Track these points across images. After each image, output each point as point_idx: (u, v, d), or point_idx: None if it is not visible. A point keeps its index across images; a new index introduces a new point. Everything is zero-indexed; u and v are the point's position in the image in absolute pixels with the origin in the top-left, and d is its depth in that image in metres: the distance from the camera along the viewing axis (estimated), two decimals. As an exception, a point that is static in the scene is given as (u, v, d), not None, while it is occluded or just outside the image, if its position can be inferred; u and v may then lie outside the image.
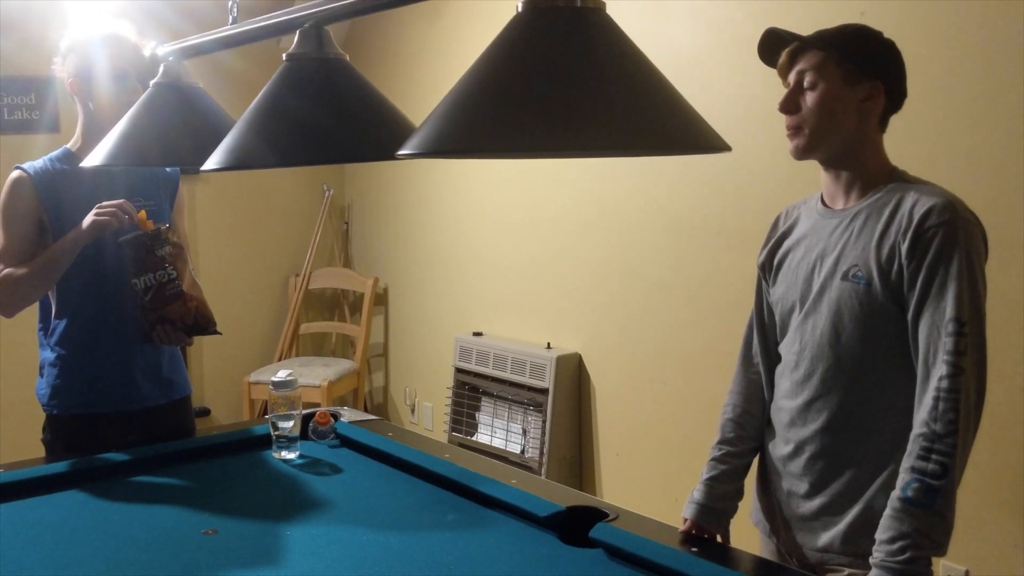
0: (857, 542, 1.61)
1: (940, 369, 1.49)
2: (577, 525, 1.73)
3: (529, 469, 3.54)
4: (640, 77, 0.91)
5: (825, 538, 1.66)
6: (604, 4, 0.92)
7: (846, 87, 1.61)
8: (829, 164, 1.68)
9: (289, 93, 1.28)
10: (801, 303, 1.71)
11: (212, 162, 1.31)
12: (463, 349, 3.92)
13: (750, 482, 1.85)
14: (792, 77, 1.65)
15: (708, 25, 3.04)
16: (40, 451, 2.33)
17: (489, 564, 1.66)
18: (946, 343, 1.49)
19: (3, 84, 3.94)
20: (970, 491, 2.43)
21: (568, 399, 3.56)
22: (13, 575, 1.61)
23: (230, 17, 1.47)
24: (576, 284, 3.63)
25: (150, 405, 2.39)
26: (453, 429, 3.94)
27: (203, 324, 2.35)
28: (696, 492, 1.81)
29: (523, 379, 3.62)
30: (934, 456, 1.47)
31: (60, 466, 2.10)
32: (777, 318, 1.79)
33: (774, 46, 1.69)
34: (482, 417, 3.86)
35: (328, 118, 1.27)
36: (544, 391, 3.52)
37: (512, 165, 3.88)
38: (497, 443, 3.73)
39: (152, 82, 1.72)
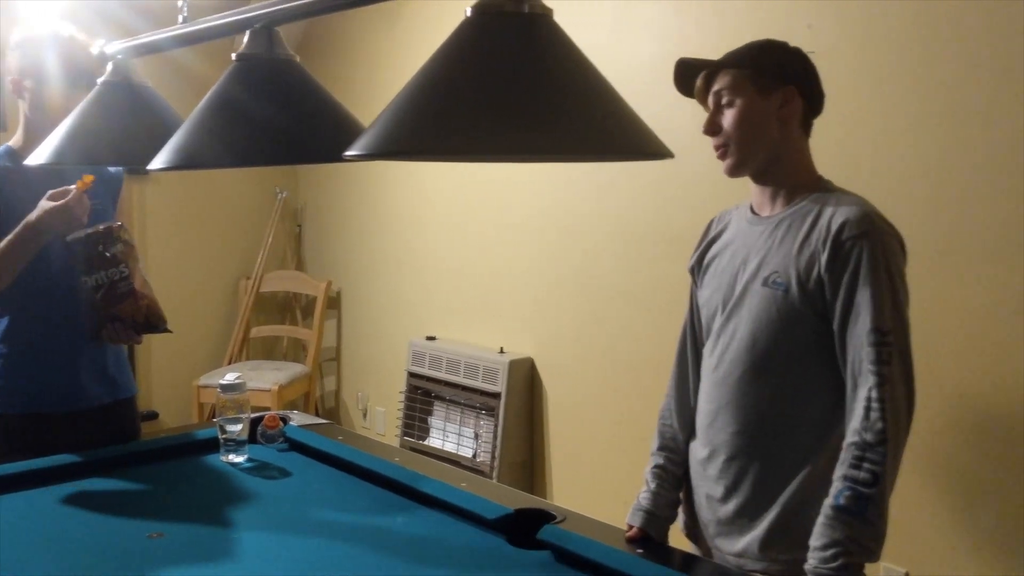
0: (773, 547, 1.64)
1: (868, 380, 1.53)
2: (525, 527, 1.74)
3: (481, 473, 3.55)
4: (585, 83, 0.92)
5: (741, 543, 1.68)
6: (551, 11, 0.93)
7: (761, 99, 1.66)
8: (759, 177, 1.73)
9: (239, 93, 1.28)
10: (723, 307, 1.75)
11: (161, 161, 1.30)
12: (416, 353, 3.92)
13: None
14: (710, 99, 1.70)
15: (661, 37, 3.08)
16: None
17: (436, 567, 1.66)
18: (870, 353, 1.52)
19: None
20: (908, 494, 2.50)
21: (520, 403, 3.57)
22: (-50, 579, 1.58)
23: (180, 17, 1.46)
24: (529, 289, 3.65)
25: (95, 405, 2.36)
26: (405, 434, 3.94)
27: (154, 322, 2.32)
28: (643, 500, 1.83)
29: (476, 383, 3.63)
30: (865, 464, 1.50)
31: (1, 468, 2.06)
32: (703, 321, 1.83)
33: (688, 75, 1.74)
34: (434, 421, 3.86)
35: (279, 119, 1.27)
36: (496, 395, 3.53)
37: (467, 170, 3.89)
38: (449, 447, 3.74)
39: (100, 80, 1.71)
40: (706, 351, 1.80)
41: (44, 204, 2.13)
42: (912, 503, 2.50)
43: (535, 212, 3.60)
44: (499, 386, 3.52)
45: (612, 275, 3.32)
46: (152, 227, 4.60)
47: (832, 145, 2.61)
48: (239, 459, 2.21)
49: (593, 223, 3.38)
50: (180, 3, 1.45)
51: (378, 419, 4.51)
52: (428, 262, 4.17)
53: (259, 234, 4.84)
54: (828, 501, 1.53)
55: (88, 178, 2.17)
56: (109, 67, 1.68)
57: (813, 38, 2.61)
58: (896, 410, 1.52)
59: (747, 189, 2.78)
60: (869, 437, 1.51)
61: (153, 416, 4.58)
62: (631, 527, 1.80)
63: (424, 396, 3.90)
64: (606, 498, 3.32)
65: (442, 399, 3.82)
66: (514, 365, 3.54)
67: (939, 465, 2.46)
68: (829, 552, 1.49)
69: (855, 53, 2.57)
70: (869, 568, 2.49)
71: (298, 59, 1.33)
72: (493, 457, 3.52)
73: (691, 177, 3.03)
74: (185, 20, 1.47)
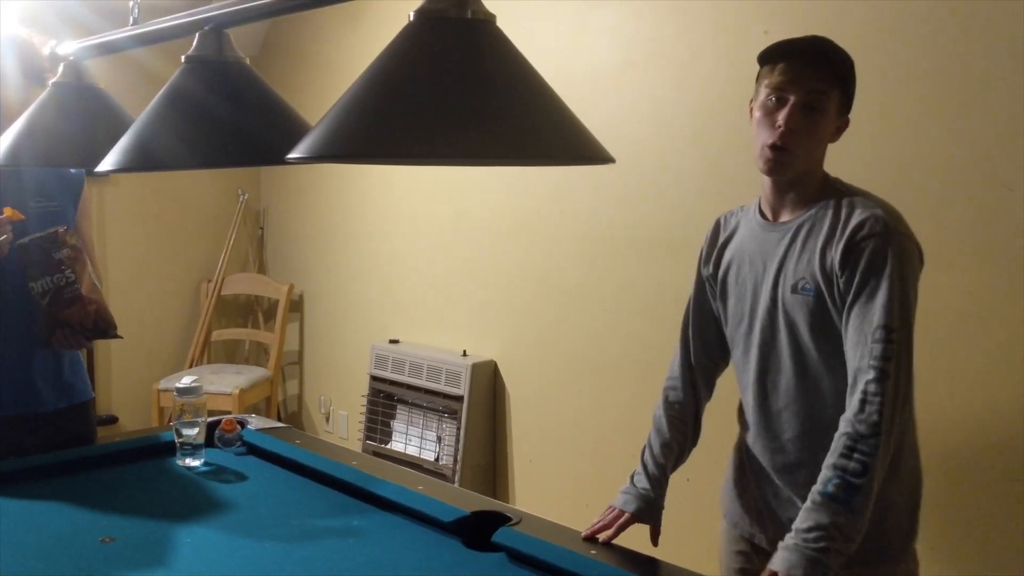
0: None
1: (868, 373, 1.56)
2: (481, 530, 1.75)
3: (443, 477, 3.55)
4: (527, 89, 0.93)
5: None
6: (494, 16, 0.94)
7: (835, 118, 1.69)
8: (788, 184, 1.72)
9: (194, 94, 1.28)
10: (750, 317, 1.78)
11: (120, 162, 1.29)
12: (379, 356, 3.91)
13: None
14: (800, 94, 1.64)
15: (624, 41, 3.10)
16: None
17: (391, 569, 1.66)
18: (874, 349, 1.56)
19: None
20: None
21: (483, 406, 3.58)
22: None
23: (131, 18, 1.45)
24: (492, 292, 3.66)
25: (50, 409, 2.34)
26: (368, 437, 3.92)
27: (103, 328, 2.31)
28: (640, 487, 1.84)
29: (439, 387, 3.63)
30: (856, 455, 1.54)
31: (-49, 474, 2.04)
32: (728, 333, 1.85)
33: (785, 52, 1.68)
34: (397, 425, 3.85)
35: (236, 120, 1.27)
36: (459, 398, 3.53)
37: (429, 172, 3.89)
38: (411, 451, 3.73)
39: (52, 81, 1.69)
40: (739, 363, 1.83)
41: None
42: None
43: (498, 214, 3.61)
44: (462, 389, 3.52)
45: (575, 277, 3.34)
46: (112, 229, 4.55)
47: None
48: (196, 463, 2.20)
49: (556, 225, 3.39)
50: (131, 3, 1.44)
51: (341, 423, 4.49)
52: (391, 264, 4.16)
53: (221, 236, 4.80)
54: (817, 487, 1.56)
55: (12, 213, 2.14)
56: (61, 68, 1.67)
57: (768, 43, 2.64)
58: (892, 407, 1.56)
59: (715, 192, 2.81)
60: (863, 429, 1.54)
61: (113, 420, 4.52)
62: (622, 512, 1.80)
63: (387, 400, 3.89)
64: (567, 500, 3.34)
65: (405, 402, 3.81)
66: (477, 368, 3.54)
67: (938, 465, 2.46)
68: (813, 535, 1.52)
69: (811, 29, 2.57)
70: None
71: (247, 61, 1.32)
72: (455, 460, 3.52)
73: (653, 179, 3.06)
74: (136, 21, 1.46)
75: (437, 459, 3.62)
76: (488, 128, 0.89)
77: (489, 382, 3.59)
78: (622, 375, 3.17)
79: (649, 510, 1.82)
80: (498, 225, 3.61)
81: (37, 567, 1.64)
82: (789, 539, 1.54)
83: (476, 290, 3.72)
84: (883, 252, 1.58)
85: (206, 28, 1.28)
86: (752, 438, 1.83)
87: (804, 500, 1.68)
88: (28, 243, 2.20)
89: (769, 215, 1.77)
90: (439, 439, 3.64)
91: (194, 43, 1.30)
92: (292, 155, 0.89)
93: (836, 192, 1.70)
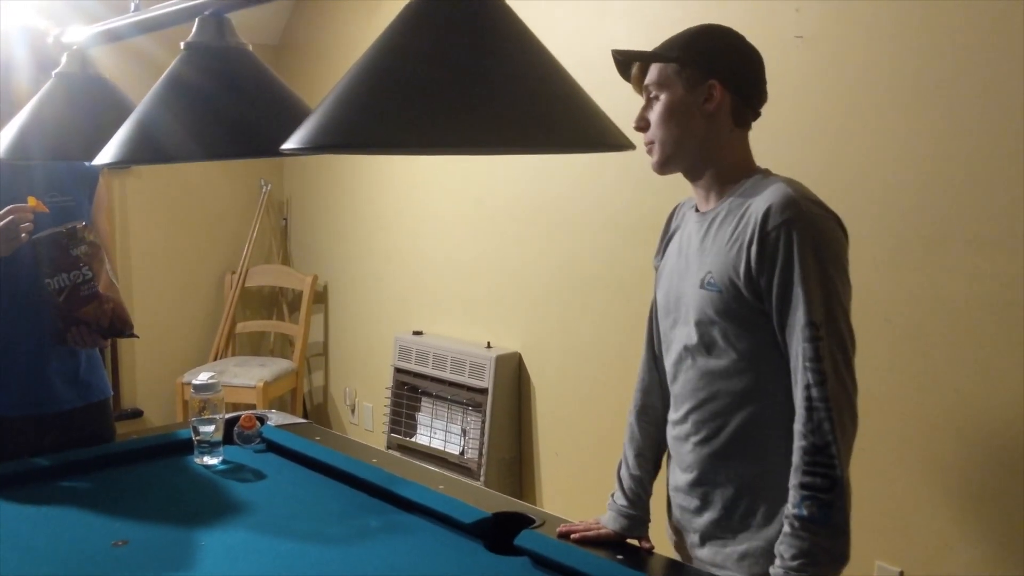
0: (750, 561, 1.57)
1: (805, 378, 1.45)
2: (504, 532, 1.69)
3: (468, 471, 3.49)
4: (540, 72, 0.86)
5: (719, 557, 1.61)
6: (501, -9, 0.86)
7: (688, 94, 1.57)
8: (690, 175, 1.64)
9: (197, 83, 1.21)
10: (669, 312, 1.68)
11: (110, 156, 1.24)
12: (403, 348, 3.86)
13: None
14: (644, 93, 1.63)
15: (646, 24, 3.00)
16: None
17: (409, 572, 1.61)
18: (805, 350, 1.45)
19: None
20: (903, 492, 2.45)
21: (508, 399, 3.51)
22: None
23: (132, 4, 1.39)
24: (516, 283, 3.59)
25: (66, 408, 2.30)
26: (392, 430, 3.88)
27: (119, 327, 2.26)
28: (619, 504, 1.76)
29: (463, 379, 3.57)
30: (819, 469, 1.44)
31: (-33, 473, 2.01)
32: (659, 326, 1.75)
33: (625, 67, 1.66)
34: (422, 418, 3.80)
35: (243, 110, 1.20)
36: (484, 391, 3.47)
37: (453, 163, 3.82)
38: (436, 444, 3.68)
39: (56, 72, 1.64)
40: (665, 360, 1.73)
41: None
42: (907, 501, 2.45)
43: (521, 203, 3.54)
44: (486, 381, 3.46)
45: (599, 267, 3.26)
46: (135, 222, 4.53)
47: (816, 132, 2.56)
48: (213, 461, 2.16)
49: (579, 213, 3.31)
50: (132, -11, 1.38)
51: (366, 415, 4.45)
52: (414, 255, 4.10)
53: (244, 228, 4.77)
54: (790, 510, 1.46)
55: (36, 204, 2.10)
56: (64, 58, 1.61)
57: (800, 21, 2.55)
58: (839, 407, 1.45)
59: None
60: (817, 440, 1.44)
61: (138, 414, 4.52)
62: (609, 530, 1.72)
63: (411, 392, 3.83)
64: (594, 493, 3.26)
65: (429, 395, 3.76)
66: (501, 360, 3.47)
67: (935, 462, 2.41)
68: (797, 563, 1.43)
69: (844, 36, 2.50)
70: (863, 567, 2.47)
71: (250, 47, 1.26)
72: (480, 454, 3.46)
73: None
74: (137, 7, 1.40)
75: (462, 452, 3.56)
76: (495, 114, 0.82)
77: (514, 374, 3.53)
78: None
79: (633, 526, 1.73)
80: (521, 215, 3.54)
81: (44, 571, 1.60)
82: (776, 570, 1.46)
83: (499, 281, 3.65)
84: (796, 240, 1.45)
85: (206, 13, 1.22)
86: (669, 440, 1.73)
87: (701, 511, 1.62)
88: (45, 238, 2.16)
89: (699, 207, 1.67)
90: (464, 432, 3.58)
91: (193, 29, 1.24)
92: (287, 146, 0.82)
93: (753, 181, 1.58)
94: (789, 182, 1.53)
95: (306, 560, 1.65)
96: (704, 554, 1.63)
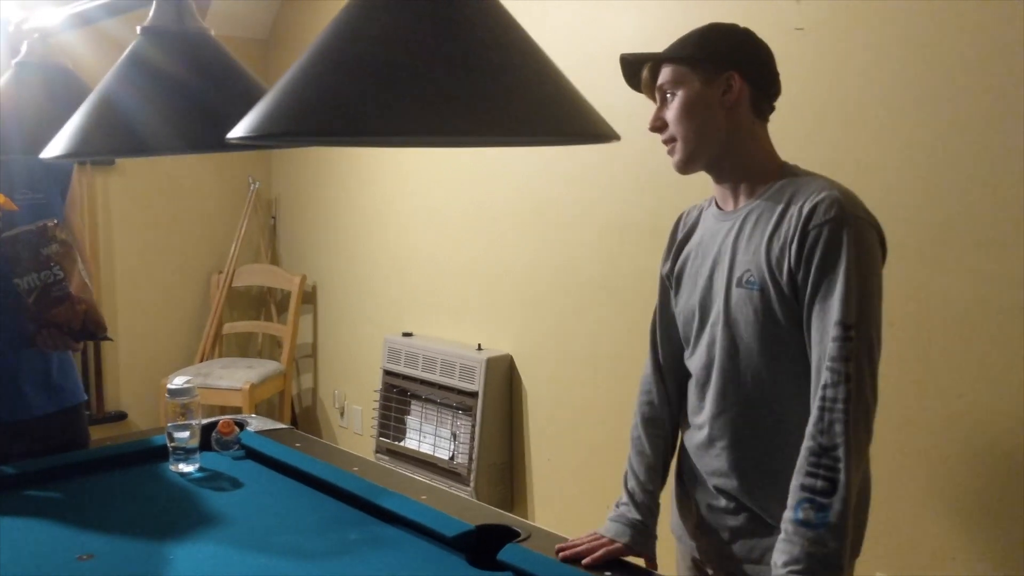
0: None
1: (825, 377, 1.41)
2: (488, 545, 1.61)
3: (458, 476, 3.41)
4: (519, 58, 0.78)
5: (757, 553, 1.56)
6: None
7: (705, 88, 1.55)
8: (715, 172, 1.61)
9: (145, 71, 1.13)
10: (700, 312, 1.63)
11: (59, 149, 1.15)
12: (392, 350, 3.77)
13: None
14: (656, 95, 1.60)
15: (648, 23, 2.93)
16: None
17: (387, 591, 1.53)
18: (830, 349, 1.41)
19: None
20: (906, 501, 2.37)
21: (499, 402, 3.43)
22: None
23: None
24: (508, 284, 3.51)
25: (38, 414, 2.23)
26: (381, 434, 3.79)
27: (92, 329, 2.18)
28: (631, 517, 1.68)
29: (453, 382, 3.48)
30: (822, 472, 1.39)
31: (-72, 483, 1.93)
32: (681, 331, 1.70)
33: (635, 71, 1.63)
34: (411, 421, 3.71)
35: (189, 101, 1.12)
36: (474, 394, 3.39)
37: (444, 161, 3.74)
38: (425, 449, 3.59)
39: (16, 61, 1.56)
40: (689, 363, 1.68)
41: None
42: (908, 510, 2.38)
43: (514, 204, 3.46)
44: (476, 385, 3.38)
45: (593, 269, 3.18)
46: (118, 220, 4.44)
47: (817, 127, 2.48)
48: (189, 468, 2.08)
49: (573, 215, 3.24)
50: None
51: (355, 418, 4.37)
52: (405, 255, 4.02)
53: (231, 226, 4.68)
54: (787, 513, 1.42)
55: (5, 202, 2.03)
56: (24, 46, 1.53)
57: (801, 13, 2.48)
58: (856, 412, 1.40)
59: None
60: (824, 441, 1.39)
61: (122, 417, 4.42)
62: (613, 541, 1.63)
63: (400, 395, 3.75)
64: (587, 500, 3.20)
65: (419, 398, 3.67)
66: (492, 363, 3.39)
67: (937, 470, 2.33)
68: (786, 570, 1.38)
69: (846, 28, 2.42)
70: (861, 577, 2.39)
71: (212, 32, 1.17)
72: (470, 459, 3.38)
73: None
74: (96, -9, 1.32)
75: (452, 457, 3.48)
76: (463, 100, 0.74)
77: (505, 377, 3.44)
78: (642, 370, 3.01)
79: (643, 540, 1.66)
80: (514, 216, 3.46)
81: (0, 590, 1.51)
82: None
83: (491, 282, 3.57)
84: (838, 240, 1.42)
85: (163, -5, 1.13)
86: (692, 443, 1.68)
87: (737, 512, 1.58)
88: (13, 237, 2.08)
89: (721, 204, 1.64)
90: (454, 436, 3.50)
91: (151, 12, 1.15)
92: (233, 134, 0.74)
93: (787, 177, 1.56)
94: (834, 184, 1.51)
95: (279, 574, 1.57)
96: (738, 549, 1.59)
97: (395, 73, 0.72)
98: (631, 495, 1.70)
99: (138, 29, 1.15)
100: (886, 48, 2.35)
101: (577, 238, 3.23)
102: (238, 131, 0.73)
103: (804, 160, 2.24)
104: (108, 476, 2.06)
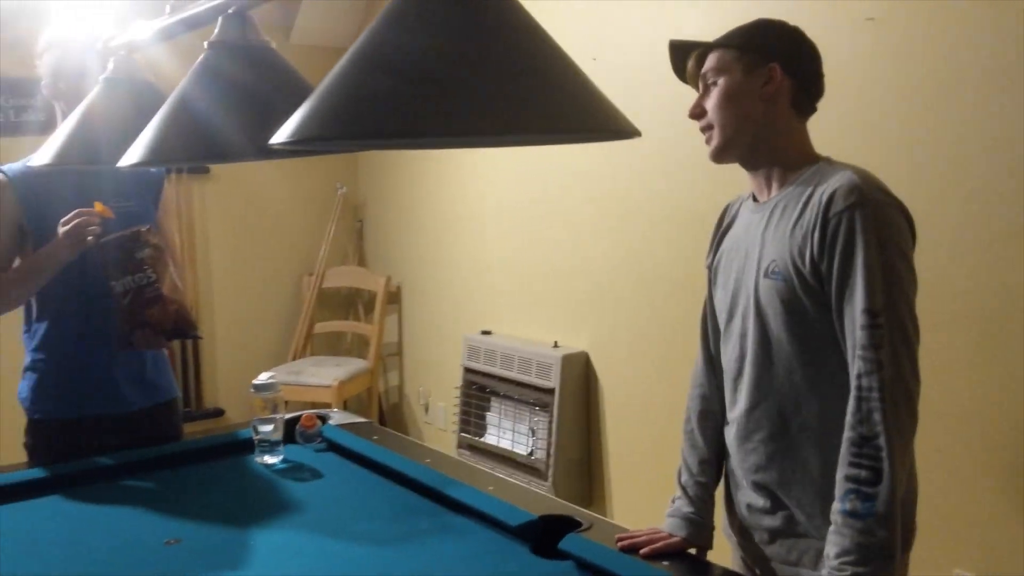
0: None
1: (858, 366, 1.40)
2: (551, 535, 1.65)
3: (536, 471, 3.46)
4: (539, 58, 0.82)
5: (794, 555, 1.55)
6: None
7: (747, 79, 1.55)
8: (747, 162, 1.61)
9: (212, 83, 1.21)
10: (732, 306, 1.63)
11: (135, 158, 1.24)
12: (471, 348, 3.84)
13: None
14: (700, 83, 1.61)
15: (713, 14, 2.91)
16: (23, 455, 2.30)
17: (451, 574, 1.58)
18: (860, 337, 1.39)
19: (4, 85, 3.94)
20: (985, 497, 2.31)
21: (575, 399, 3.46)
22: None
23: (167, 7, 1.40)
24: (583, 282, 3.54)
25: (133, 409, 2.34)
26: (462, 430, 3.87)
27: (183, 328, 2.29)
28: (686, 511, 1.69)
29: (529, 379, 3.53)
30: (864, 461, 1.38)
31: (35, 472, 2.07)
32: (720, 324, 1.70)
33: (682, 58, 1.64)
34: (491, 417, 3.78)
35: (254, 110, 1.19)
36: (550, 391, 3.43)
37: (522, 163, 3.79)
38: (505, 444, 3.65)
39: (103, 77, 1.66)
40: (723, 355, 1.69)
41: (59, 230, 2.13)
42: (986, 506, 2.31)
43: (588, 203, 3.49)
44: (553, 381, 3.42)
45: (667, 265, 3.18)
46: (214, 225, 4.64)
47: (885, 117, 2.43)
48: (273, 460, 2.18)
49: (648, 213, 3.24)
50: (166, -7, 1.39)
51: (439, 415, 4.46)
52: (483, 255, 4.09)
53: (321, 230, 4.84)
54: (835, 505, 1.41)
55: (103, 209, 2.16)
56: (111, 63, 1.63)
57: (872, 2, 2.44)
58: (895, 398, 1.38)
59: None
60: (864, 431, 1.38)
61: (219, 413, 4.62)
62: (671, 536, 1.65)
63: (480, 392, 3.82)
64: (666, 496, 3.18)
65: (498, 395, 3.73)
66: (568, 360, 3.43)
67: (1017, 466, 2.26)
68: (838, 561, 1.38)
69: (917, 18, 2.37)
70: (940, 574, 2.33)
71: (273, 44, 1.25)
72: (548, 455, 3.42)
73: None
74: (173, 10, 1.41)
75: (531, 453, 3.53)
76: (493, 100, 0.78)
77: (581, 374, 3.47)
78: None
79: (700, 533, 1.67)
80: (588, 214, 3.49)
81: (94, 570, 1.62)
82: (825, 570, 1.40)
83: (567, 280, 3.61)
84: (859, 225, 1.40)
85: (230, 11, 1.21)
86: (730, 439, 1.67)
87: (774, 510, 1.56)
88: (110, 242, 2.21)
89: (757, 196, 1.63)
90: (532, 432, 3.54)
91: (216, 28, 1.24)
92: (275, 140, 0.80)
93: (817, 168, 1.54)
94: (856, 169, 1.49)
95: (353, 561, 1.65)
96: (775, 551, 1.59)
97: (435, 77, 0.77)
98: (684, 489, 1.72)
99: (205, 44, 1.23)
100: (959, 37, 2.29)
101: (650, 234, 3.24)
102: (280, 137, 0.79)
103: (872, 150, 2.22)
104: (197, 467, 2.17)
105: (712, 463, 1.72)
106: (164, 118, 1.18)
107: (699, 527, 1.66)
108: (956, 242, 2.33)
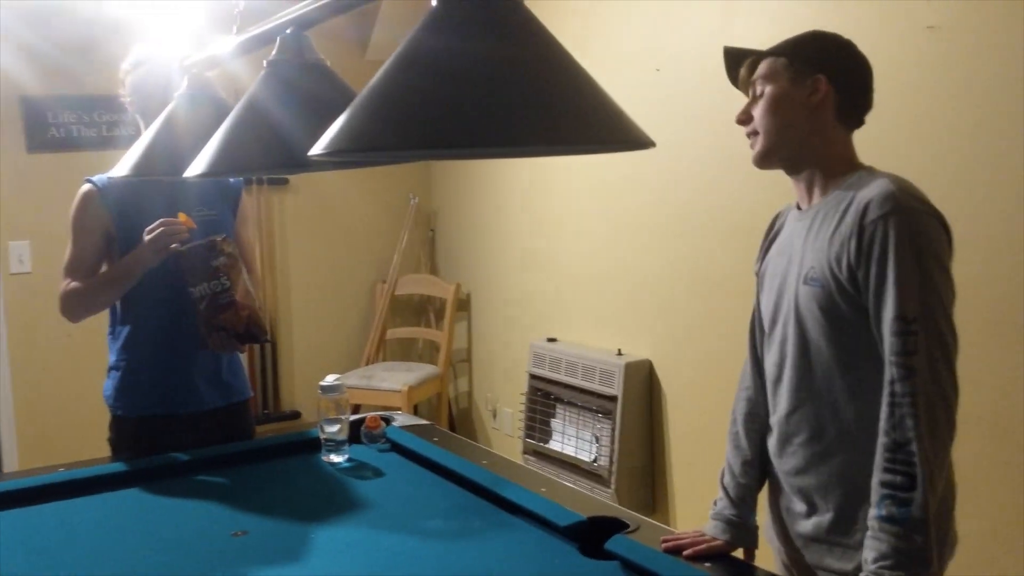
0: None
1: (891, 372, 1.41)
2: (599, 535, 1.69)
3: (600, 478, 3.49)
4: (558, 72, 0.87)
5: (829, 560, 1.56)
6: (521, -4, 0.88)
7: (793, 87, 1.58)
8: (790, 168, 1.64)
9: (271, 99, 1.29)
10: (774, 312, 1.65)
11: (200, 168, 1.33)
12: (537, 355, 3.90)
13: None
14: (749, 90, 1.64)
15: (774, 21, 2.92)
16: (107, 450, 2.44)
17: (501, 572, 1.64)
18: (893, 344, 1.41)
19: (97, 101, 4.16)
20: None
21: (638, 406, 3.47)
22: (37, 572, 1.68)
23: (233, 27, 1.50)
24: (646, 290, 3.55)
25: (209, 408, 2.46)
26: (528, 436, 3.92)
27: (254, 332, 2.39)
28: (727, 514, 1.72)
29: (593, 386, 3.56)
30: (899, 467, 1.39)
31: (117, 466, 2.19)
32: (765, 329, 1.72)
33: (735, 65, 1.68)
34: (555, 424, 3.82)
35: (308, 124, 1.27)
36: (613, 398, 3.45)
37: (585, 172, 3.83)
38: (569, 450, 3.69)
39: (178, 94, 1.77)
40: (766, 362, 1.71)
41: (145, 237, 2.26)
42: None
43: (651, 212, 3.51)
44: (616, 389, 3.44)
45: (731, 275, 3.18)
46: (292, 234, 4.79)
47: (948, 127, 2.40)
48: (339, 459, 2.26)
49: (711, 221, 3.25)
50: (235, 12, 1.48)
51: (506, 420, 4.52)
52: (550, 264, 4.14)
53: (394, 239, 4.96)
54: (872, 511, 1.43)
55: (186, 220, 2.28)
56: (185, 81, 1.74)
57: (933, 10, 2.41)
58: (930, 404, 1.39)
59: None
60: (898, 436, 1.39)
61: (296, 416, 4.77)
62: (714, 539, 1.67)
63: (545, 398, 3.86)
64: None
65: (562, 401, 3.77)
66: (631, 367, 3.45)
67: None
68: (876, 566, 1.39)
69: (978, 26, 2.34)
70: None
71: (328, 63, 1.33)
72: (611, 461, 3.45)
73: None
74: (239, 30, 1.50)
75: (594, 460, 3.56)
76: (516, 116, 0.83)
77: (644, 382, 3.49)
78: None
79: (741, 535, 1.69)
80: (651, 223, 3.51)
81: (165, 559, 1.73)
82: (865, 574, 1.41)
83: (631, 289, 3.63)
84: (894, 233, 1.41)
85: (287, 31, 1.29)
86: (771, 443, 1.68)
87: (812, 515, 1.57)
88: (188, 250, 2.33)
89: (800, 204, 1.65)
90: (595, 439, 3.57)
91: (275, 48, 1.32)
92: (313, 152, 0.87)
93: (857, 177, 1.55)
94: (893, 178, 1.51)
95: (410, 554, 1.72)
96: (813, 556, 1.60)
97: (460, 92, 0.82)
98: (726, 491, 1.74)
99: (264, 63, 1.32)
100: (1020, 47, 2.25)
101: (713, 244, 3.24)
102: (316, 149, 0.86)
103: (932, 160, 2.20)
104: (266, 464, 2.27)
105: (755, 465, 1.74)
106: (237, 129, 1.26)
107: (741, 529, 1.68)
108: (1009, 253, 2.28)
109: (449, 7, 0.88)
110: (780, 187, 2.92)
